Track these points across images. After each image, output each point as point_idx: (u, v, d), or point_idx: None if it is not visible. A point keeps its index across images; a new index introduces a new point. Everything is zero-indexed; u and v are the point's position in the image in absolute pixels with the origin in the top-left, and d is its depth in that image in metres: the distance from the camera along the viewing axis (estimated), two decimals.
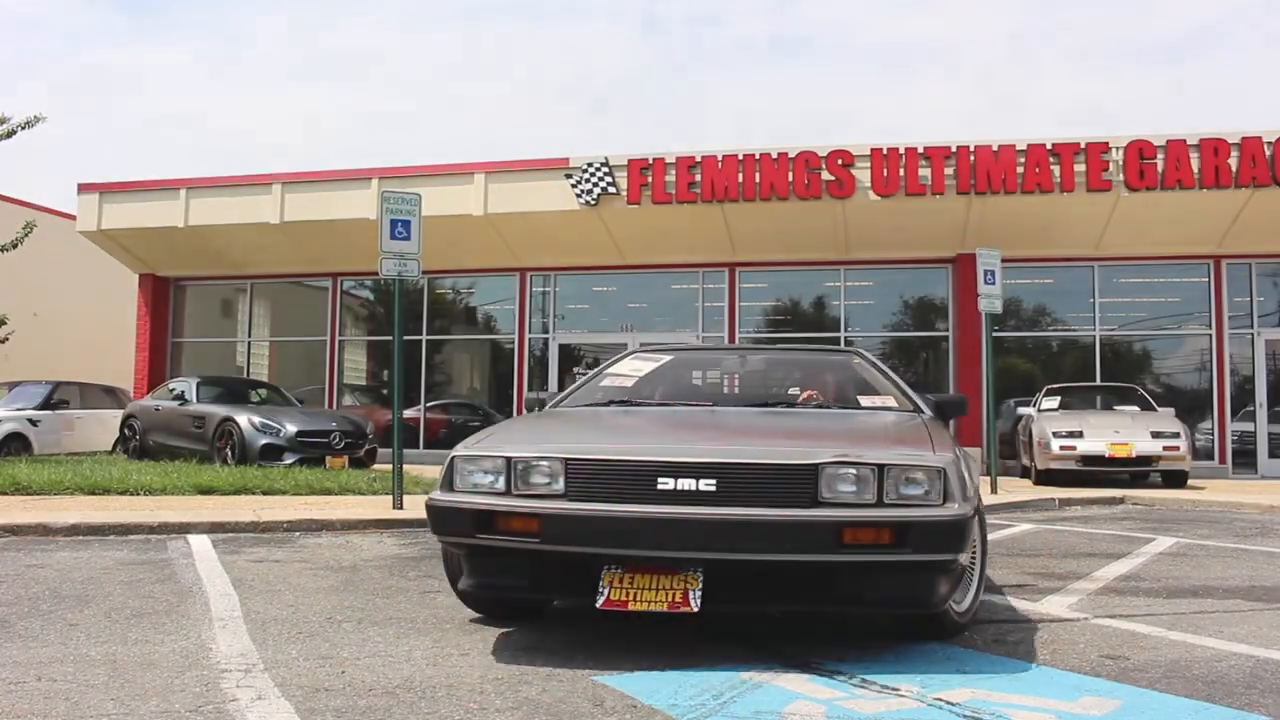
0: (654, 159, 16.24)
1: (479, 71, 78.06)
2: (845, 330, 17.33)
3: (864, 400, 5.17)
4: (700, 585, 3.55)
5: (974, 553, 4.20)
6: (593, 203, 16.38)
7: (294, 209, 17.99)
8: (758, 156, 15.83)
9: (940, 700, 3.20)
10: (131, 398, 18.42)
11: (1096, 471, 13.02)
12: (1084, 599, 5.14)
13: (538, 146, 73.22)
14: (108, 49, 75.80)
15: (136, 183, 19.15)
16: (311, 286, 20.04)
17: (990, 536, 7.98)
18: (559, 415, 5.00)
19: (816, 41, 77.57)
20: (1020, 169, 15.11)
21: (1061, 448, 13.02)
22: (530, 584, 3.88)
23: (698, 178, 15.99)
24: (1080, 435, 13.06)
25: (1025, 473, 14.53)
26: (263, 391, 16.51)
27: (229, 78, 75.65)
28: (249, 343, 20.47)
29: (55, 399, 17.32)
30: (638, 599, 3.56)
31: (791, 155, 15.69)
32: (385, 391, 18.95)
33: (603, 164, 16.41)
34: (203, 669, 3.57)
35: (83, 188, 19.20)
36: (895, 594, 3.68)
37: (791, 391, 5.58)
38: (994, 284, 12.39)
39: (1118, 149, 14.95)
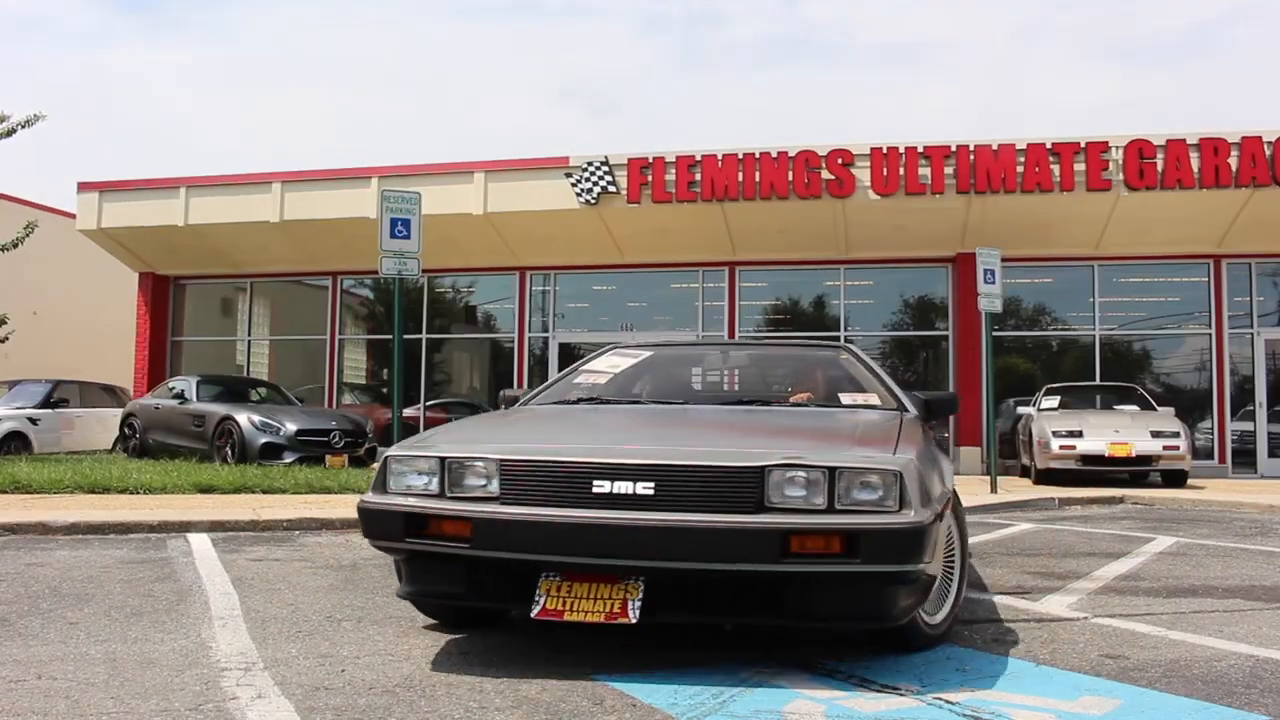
0: (654, 158, 16.25)
1: (477, 71, 78.05)
2: (845, 329, 17.33)
3: (844, 398, 4.95)
4: (641, 595, 3.35)
5: (951, 558, 4.02)
6: (593, 202, 16.39)
7: (294, 208, 18.00)
8: (757, 155, 15.84)
9: (940, 700, 3.21)
10: (131, 396, 18.43)
11: (1096, 471, 13.02)
12: (1084, 598, 5.14)
13: (537, 146, 73.25)
14: (108, 50, 75.77)
15: (136, 181, 19.16)
16: (311, 285, 20.05)
17: (989, 536, 8.02)
18: (518, 413, 4.88)
19: (816, 41, 77.56)
20: (1020, 168, 15.12)
21: (1061, 447, 13.02)
22: (467, 591, 3.68)
23: (698, 177, 15.99)
24: (1080, 435, 13.06)
25: (1025, 472, 14.54)
26: (262, 390, 16.51)
27: (228, 78, 75.63)
28: (249, 341, 20.48)
29: (55, 398, 17.32)
30: (574, 609, 3.37)
31: (791, 154, 15.69)
32: (385, 390, 18.96)
33: (603, 163, 16.42)
34: (202, 667, 3.57)
35: (82, 186, 19.20)
36: (850, 608, 3.43)
37: (775, 388, 5.46)
38: (994, 283, 12.39)
39: (1117, 148, 14.96)
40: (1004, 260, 12.74)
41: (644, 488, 3.39)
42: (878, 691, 3.30)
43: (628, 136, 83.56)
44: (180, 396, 15.07)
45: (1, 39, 67.59)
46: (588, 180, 16.39)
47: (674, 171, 16.11)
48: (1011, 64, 76.32)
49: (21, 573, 5.71)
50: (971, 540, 7.70)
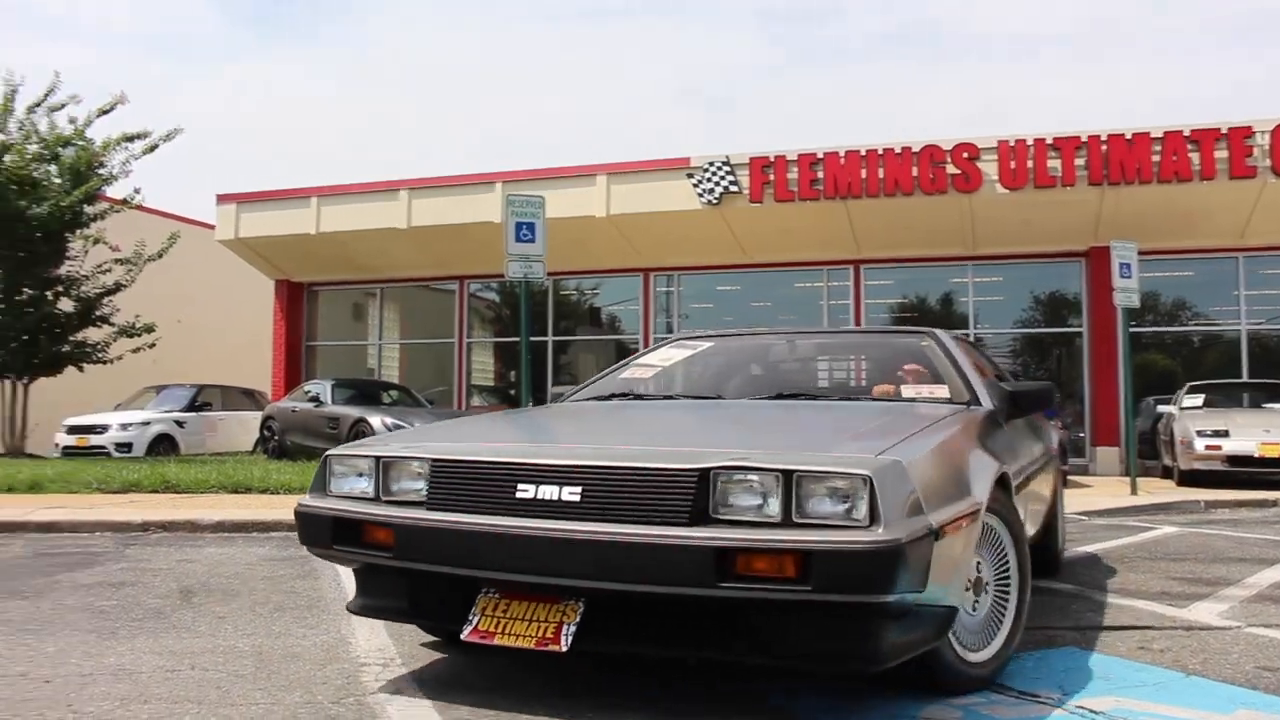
0: (776, 157, 16.15)
1: (596, 73, 78.64)
2: (974, 327, 16.96)
3: (907, 390, 4.35)
4: (578, 619, 2.92)
5: (1004, 582, 3.47)
6: (715, 202, 16.37)
7: (420, 214, 18.40)
8: (880, 152, 15.60)
9: (1083, 708, 3.10)
10: (270, 400, 19.07)
11: (1244, 473, 12.45)
12: (1236, 606, 4.91)
13: (657, 146, 73.42)
14: (237, 63, 78.52)
15: (271, 192, 19.83)
16: (439, 289, 20.47)
17: (1130, 539, 7.75)
18: (525, 412, 4.72)
19: (937, 33, 76.07)
20: (1156, 157, 14.58)
21: (1206, 447, 12.50)
22: (410, 607, 3.35)
23: (820, 175, 15.83)
24: (1226, 434, 12.51)
25: (1167, 473, 14.00)
26: (394, 393, 16.91)
27: (352, 86, 77.65)
28: (380, 345, 21.02)
29: (199, 401, 18.05)
30: (507, 631, 2.98)
31: (915, 150, 15.42)
32: (513, 392, 19.25)
33: (724, 163, 16.38)
34: (343, 662, 3.67)
35: (221, 198, 19.95)
36: (818, 645, 2.84)
37: (839, 380, 5.02)
38: (1130, 277, 11.97)
39: (1263, 133, 14.31)
40: (1140, 253, 12.30)
41: (570, 493, 2.95)
42: (1016, 698, 3.21)
43: (745, 135, 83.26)
44: (316, 400, 15.53)
45: (135, 59, 70.64)
46: (709, 181, 16.38)
47: (796, 170, 15.98)
48: (1144, 48, 73.76)
49: (173, 568, 5.96)
50: (1111, 543, 7.46)
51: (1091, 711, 3.07)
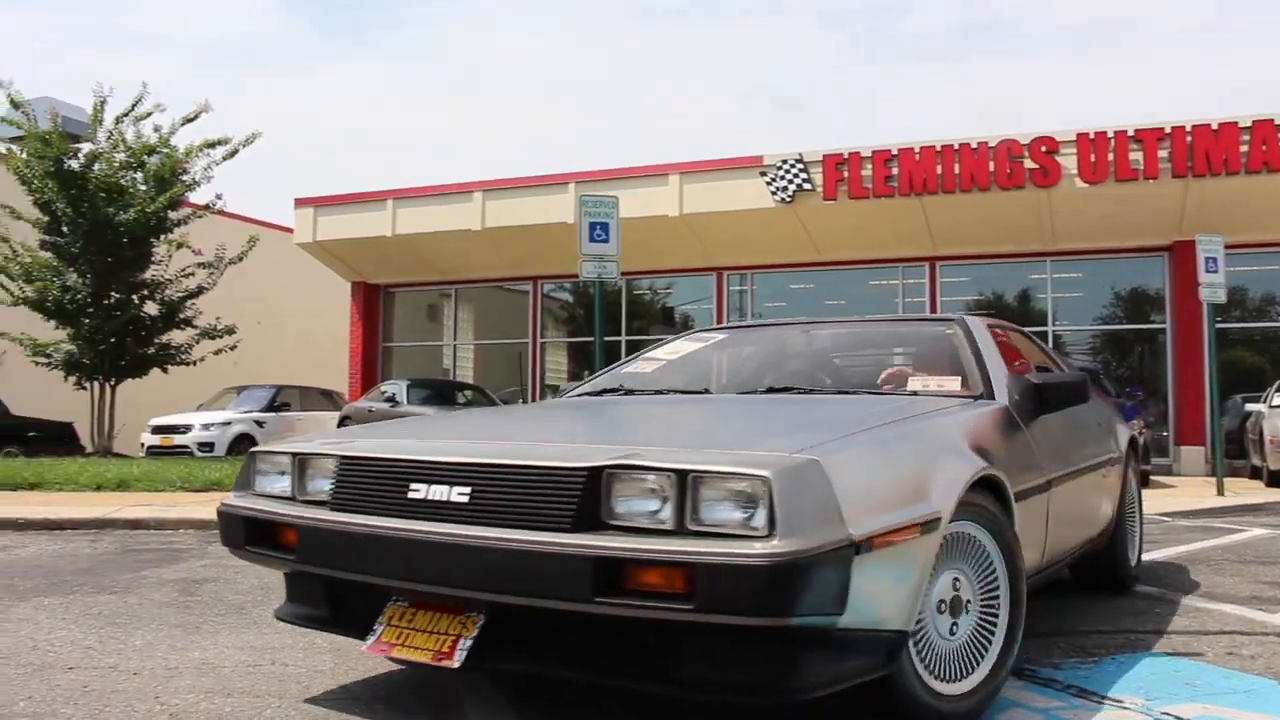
0: (849, 153, 16.02)
1: (666, 73, 78.60)
2: (1053, 324, 16.66)
3: (915, 382, 3.91)
4: (476, 632, 2.67)
5: (991, 601, 3.04)
6: (788, 200, 16.28)
7: (494, 215, 18.56)
8: (956, 147, 15.40)
9: (1169, 715, 3.02)
10: (346, 400, 19.37)
11: None
12: None
13: (729, 145, 73.28)
14: (313, 70, 79.77)
15: (347, 195, 20.14)
16: (513, 290, 20.63)
17: (1217, 541, 7.53)
18: (490, 409, 4.57)
19: (1007, 24, 74.84)
20: (1244, 147, 14.18)
21: None
22: (330, 614, 3.15)
23: (894, 171, 15.67)
24: None
25: (1255, 473, 13.61)
26: (469, 393, 17.08)
27: (421, 89, 78.46)
28: (454, 346, 21.24)
29: (278, 402, 18.39)
30: (408, 643, 2.76)
31: (992, 144, 15.20)
32: None
33: (797, 160, 16.29)
34: None
35: (298, 202, 20.33)
36: (727, 673, 2.49)
37: (854, 371, 4.53)
38: (1216, 272, 11.66)
39: None
40: (1227, 247, 11.98)
41: (459, 494, 2.71)
42: (1098, 703, 3.14)
43: (815, 132, 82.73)
44: (392, 400, 15.73)
45: (213, 67, 72.15)
46: (782, 179, 16.30)
47: (870, 166, 15.84)
48: (1235, 33, 71.87)
49: (254, 565, 6.06)
50: (1196, 546, 7.26)
51: (1178, 718, 2.99)
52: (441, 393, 16.64)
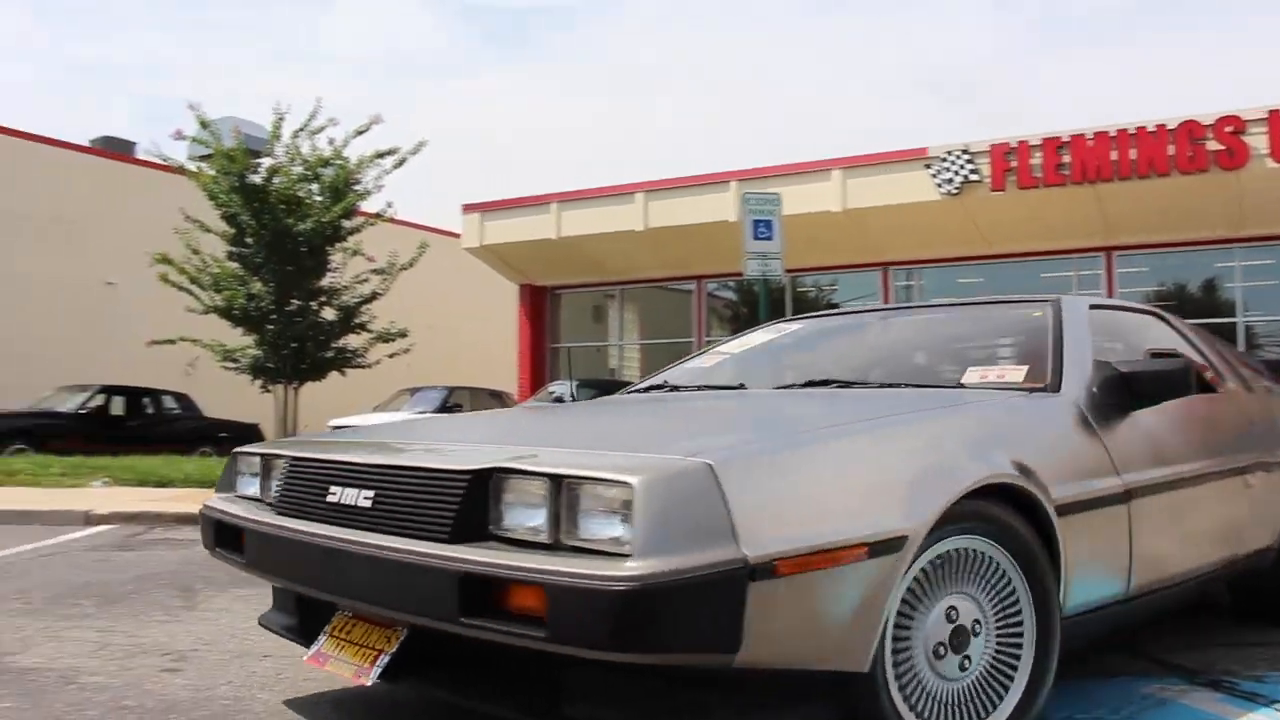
0: (1018, 142, 15.53)
1: (827, 66, 77.69)
2: (1242, 314, 15.80)
3: (972, 373, 3.42)
4: (395, 649, 2.49)
5: (997, 631, 2.58)
6: (955, 192, 15.90)
7: (656, 216, 18.69)
8: (1132, 131, 14.75)
9: None
10: (515, 400, 19.76)
11: None
12: None
13: (892, 138, 71.98)
14: (476, 78, 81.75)
15: (512, 200, 20.58)
16: (676, 290, 20.72)
17: None
18: (516, 410, 4.40)
19: (1178, 5, 71.33)
20: None
21: None
22: (301, 624, 3.01)
23: (1066, 159, 15.12)
24: None
25: None
26: None
27: (578, 94, 79.53)
28: (620, 345, 21.45)
29: (450, 403, 18.89)
30: (340, 655, 2.62)
31: (1171, 127, 14.50)
32: None
33: (963, 151, 15.89)
34: None
35: (466, 208, 20.86)
36: (617, 715, 2.22)
37: (924, 362, 4.00)
38: None
39: None
40: None
41: (365, 498, 2.54)
42: None
43: (984, 122, 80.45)
44: (559, 400, 15.97)
45: (379, 79, 74.65)
46: (948, 170, 15.92)
47: (1040, 155, 15.32)
48: None
49: None
50: None
51: None
52: (608, 392, 16.67)
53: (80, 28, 65.75)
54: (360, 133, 16.05)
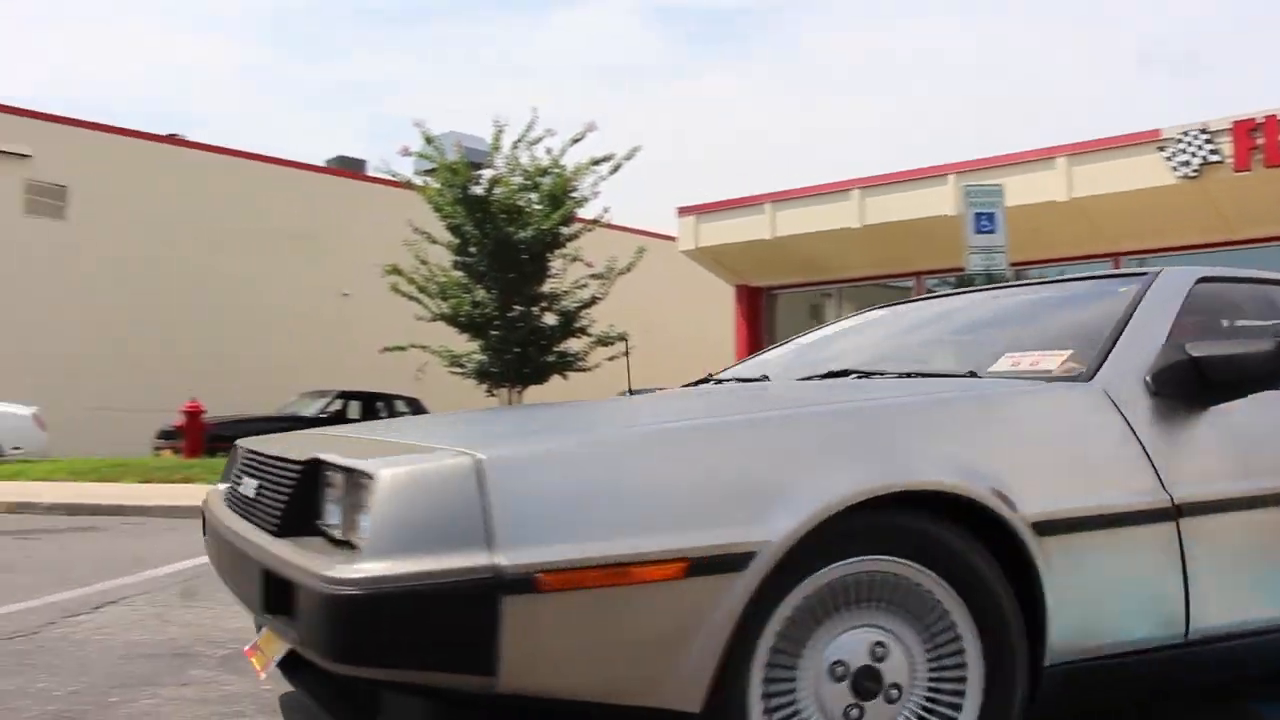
0: (1265, 118, 14.45)
1: (1041, 49, 74.59)
2: None
3: (1007, 360, 2.88)
4: (287, 648, 2.29)
5: (929, 678, 2.17)
6: (1193, 174, 14.95)
7: (872, 212, 18.36)
8: None
9: None
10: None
11: None
12: None
13: (1120, 121, 68.46)
14: (693, 80, 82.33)
15: (727, 201, 20.63)
16: (894, 287, 20.31)
17: None
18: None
19: None
20: None
21: None
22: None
23: None
24: None
25: None
26: None
27: (789, 93, 78.89)
28: None
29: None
30: (264, 648, 2.43)
31: None
32: None
33: (1200, 131, 14.92)
34: None
35: (681, 211, 21.05)
36: None
37: (975, 346, 3.47)
38: None
39: None
40: None
41: (252, 488, 2.48)
42: None
43: (1220, 99, 75.51)
44: None
45: (592, 88, 76.01)
46: (1184, 152, 14.98)
47: None
48: None
49: None
50: None
51: None
52: None
53: (310, 53, 69.94)
54: (576, 141, 16.44)
